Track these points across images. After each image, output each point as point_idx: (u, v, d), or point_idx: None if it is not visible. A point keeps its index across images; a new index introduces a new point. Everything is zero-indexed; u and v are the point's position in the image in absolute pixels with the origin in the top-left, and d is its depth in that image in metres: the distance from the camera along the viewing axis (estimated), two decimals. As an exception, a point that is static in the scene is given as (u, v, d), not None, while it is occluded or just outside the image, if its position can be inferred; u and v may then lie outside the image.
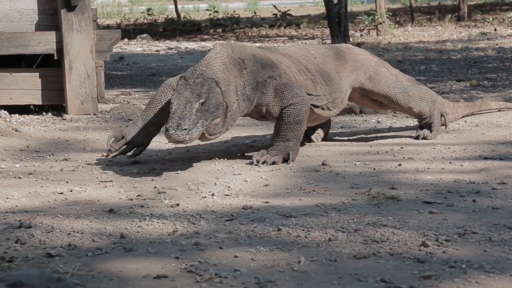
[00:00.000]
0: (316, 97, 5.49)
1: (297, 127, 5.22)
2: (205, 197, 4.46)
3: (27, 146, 5.98)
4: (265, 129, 6.47)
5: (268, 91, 5.20)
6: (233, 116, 5.09)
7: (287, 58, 5.50)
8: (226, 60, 5.08)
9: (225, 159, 5.40)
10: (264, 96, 5.20)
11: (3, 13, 7.07)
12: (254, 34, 17.21)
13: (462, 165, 5.08)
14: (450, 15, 18.43)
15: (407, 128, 6.46)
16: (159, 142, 5.97)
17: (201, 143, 5.96)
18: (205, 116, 4.86)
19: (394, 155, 5.44)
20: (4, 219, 4.08)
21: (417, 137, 5.92)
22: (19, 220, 4.01)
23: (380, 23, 15.16)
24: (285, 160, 5.22)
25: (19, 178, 4.98)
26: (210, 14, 20.09)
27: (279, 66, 5.33)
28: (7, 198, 4.49)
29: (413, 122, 6.45)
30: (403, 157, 5.36)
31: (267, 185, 4.71)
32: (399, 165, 5.12)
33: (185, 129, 4.77)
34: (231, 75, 5.06)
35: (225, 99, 4.97)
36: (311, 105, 5.43)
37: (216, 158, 5.42)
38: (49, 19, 7.13)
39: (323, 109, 5.56)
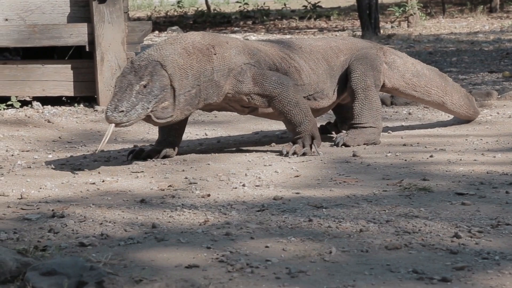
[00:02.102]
0: (301, 87, 5.40)
1: (298, 109, 5.17)
2: (236, 188, 4.47)
3: (59, 137, 6.02)
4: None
5: (245, 79, 5.11)
6: (191, 101, 4.99)
7: (268, 47, 5.41)
8: (189, 45, 5.02)
9: (256, 150, 5.40)
10: (242, 84, 5.11)
11: (36, 5, 7.11)
12: (284, 26, 17.18)
13: (494, 157, 5.04)
14: (482, 6, 18.27)
15: (438, 119, 6.42)
16: (189, 133, 5.98)
17: (232, 134, 5.97)
18: (147, 99, 4.82)
19: (425, 147, 5.41)
20: (37, 208, 4.11)
21: None
22: (52, 210, 4.05)
23: (411, 14, 15.06)
24: (310, 144, 5.23)
25: (52, 168, 5.02)
26: (240, 6, 20.08)
27: (256, 54, 5.23)
28: (40, 188, 4.53)
29: (444, 114, 6.41)
30: (435, 149, 5.33)
31: (297, 176, 4.71)
32: (431, 156, 5.09)
33: (122, 111, 4.74)
34: (193, 60, 4.98)
35: (173, 83, 4.90)
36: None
37: (247, 149, 5.42)
38: (81, 11, 7.17)
39: (308, 99, 5.44)
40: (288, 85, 5.16)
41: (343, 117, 5.86)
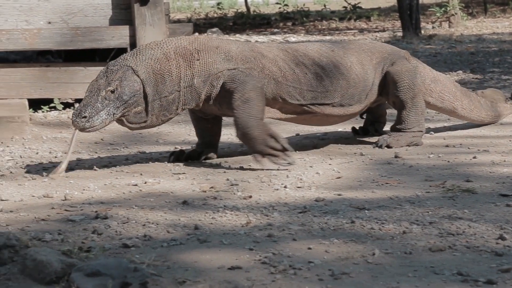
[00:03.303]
0: (321, 94, 5.27)
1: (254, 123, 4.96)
2: (277, 189, 4.46)
3: (101, 139, 6.07)
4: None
5: (218, 84, 4.99)
6: (167, 107, 4.94)
7: (282, 53, 5.26)
8: (171, 50, 4.96)
9: (297, 151, 5.39)
10: (213, 89, 5.00)
11: (78, 7, 7.18)
12: (324, 27, 17.14)
13: (539, 158, 4.98)
14: (524, 5, 18.05)
15: (482, 121, 6.35)
16: (230, 135, 5.99)
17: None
18: (114, 104, 4.78)
19: (468, 148, 5.35)
20: (81, 210, 4.15)
21: None
22: (96, 211, 4.08)
23: (452, 14, 14.93)
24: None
25: (95, 170, 5.06)
26: (279, 8, 20.07)
27: (254, 60, 5.10)
28: (84, 190, 4.57)
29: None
30: (478, 150, 5.27)
31: (339, 178, 4.69)
32: (474, 157, 5.04)
33: (85, 116, 4.73)
34: (172, 65, 4.93)
35: (146, 88, 4.85)
36: (316, 103, 5.26)
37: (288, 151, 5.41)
38: (123, 14, 7.22)
39: (333, 106, 5.32)
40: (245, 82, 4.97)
41: (376, 115, 5.82)
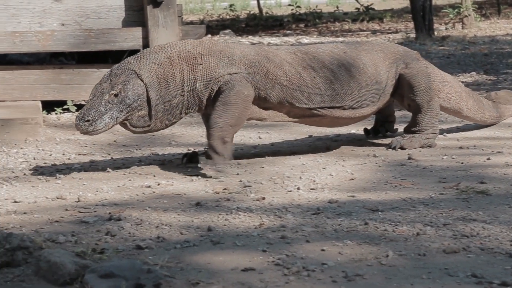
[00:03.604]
0: (330, 97, 5.22)
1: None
2: (290, 191, 4.46)
3: (114, 141, 6.07)
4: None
5: (217, 88, 4.97)
6: (171, 111, 4.95)
7: (291, 56, 5.22)
8: (175, 54, 4.96)
9: (310, 153, 5.38)
10: (212, 92, 4.98)
11: (91, 9, 7.20)
12: (336, 28, 17.12)
13: (553, 159, 4.96)
14: (538, 6, 18.00)
15: (495, 122, 6.33)
16: (243, 137, 5.99)
17: (286, 138, 5.96)
18: (117, 108, 4.80)
19: (482, 149, 5.33)
20: (94, 211, 4.15)
21: None
22: (109, 213, 4.08)
23: (466, 16, 14.89)
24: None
25: (108, 171, 5.07)
26: (292, 9, 20.06)
27: (258, 64, 5.07)
28: (97, 191, 4.58)
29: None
30: (492, 151, 5.25)
31: (352, 179, 4.68)
32: (488, 159, 5.02)
33: (88, 120, 4.75)
34: (175, 70, 4.93)
35: (149, 92, 4.86)
36: (325, 107, 5.22)
37: (301, 152, 5.41)
38: (135, 15, 7.23)
39: (343, 109, 5.27)
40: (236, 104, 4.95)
41: (385, 115, 5.81)
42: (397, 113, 6.31)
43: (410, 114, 5.55)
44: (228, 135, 4.95)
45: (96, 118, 4.77)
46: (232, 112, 4.94)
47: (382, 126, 5.87)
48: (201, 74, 4.98)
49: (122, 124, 4.91)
